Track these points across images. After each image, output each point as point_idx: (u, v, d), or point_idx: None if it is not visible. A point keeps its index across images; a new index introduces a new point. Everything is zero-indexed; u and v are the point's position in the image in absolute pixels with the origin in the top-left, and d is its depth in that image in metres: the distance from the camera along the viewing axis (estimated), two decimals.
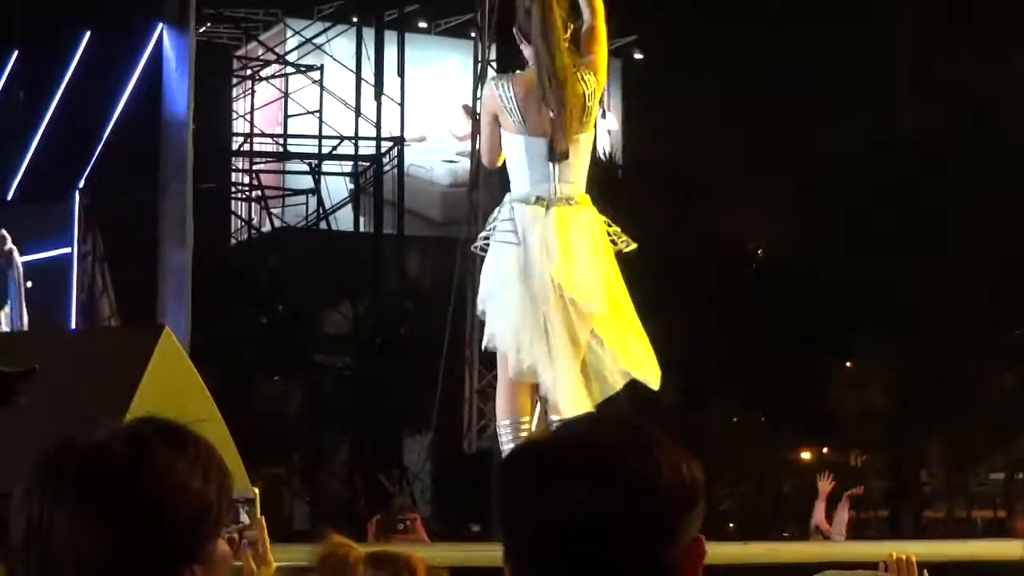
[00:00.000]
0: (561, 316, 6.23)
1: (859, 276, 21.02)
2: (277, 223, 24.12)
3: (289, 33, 24.71)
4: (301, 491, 23.48)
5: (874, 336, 22.83)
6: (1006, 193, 20.27)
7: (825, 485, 11.98)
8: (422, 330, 22.05)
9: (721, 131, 21.17)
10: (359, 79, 23.60)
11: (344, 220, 23.83)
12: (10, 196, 18.88)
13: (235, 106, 24.98)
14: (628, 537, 1.65)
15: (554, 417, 6.18)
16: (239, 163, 24.76)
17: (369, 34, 23.87)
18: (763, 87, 21.30)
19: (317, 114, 23.95)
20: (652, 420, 1.79)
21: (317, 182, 23.86)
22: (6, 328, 13.15)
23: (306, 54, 24.44)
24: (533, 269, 6.29)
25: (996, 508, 23.91)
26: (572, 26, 6.45)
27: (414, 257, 24.90)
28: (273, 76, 24.82)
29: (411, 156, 24.11)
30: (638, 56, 24.25)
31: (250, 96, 24.93)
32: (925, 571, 3.89)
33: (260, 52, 24.83)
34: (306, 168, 24.22)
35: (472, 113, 8.88)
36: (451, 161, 24.36)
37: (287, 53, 24.69)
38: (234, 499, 1.89)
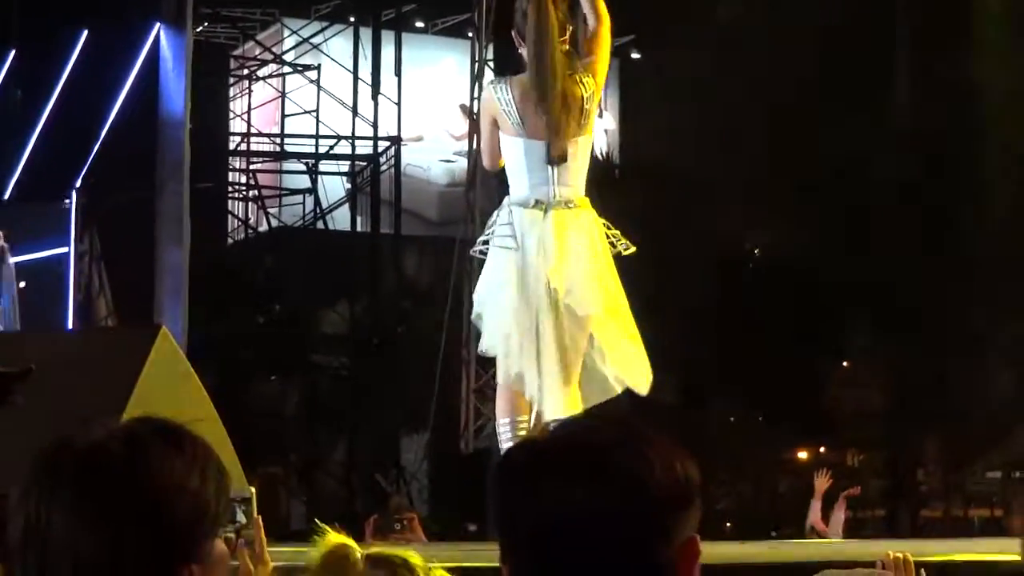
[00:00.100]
0: (553, 322, 6.20)
1: (856, 276, 21.02)
2: (274, 223, 24.10)
3: (286, 33, 24.70)
4: (298, 490, 23.46)
5: (871, 335, 22.85)
6: (1006, 192, 20.31)
7: (822, 483, 11.98)
8: (419, 330, 22.05)
9: (719, 130, 21.14)
10: (356, 79, 23.58)
11: (341, 220, 23.82)
12: (7, 195, 18.87)
13: (232, 106, 24.96)
14: (622, 536, 1.66)
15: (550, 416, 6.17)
16: (236, 163, 24.74)
17: (366, 34, 23.85)
18: (762, 86, 21.28)
19: (314, 114, 23.94)
20: (649, 420, 1.79)
21: (314, 182, 23.84)
22: (0, 328, 13.14)
23: (303, 54, 24.43)
24: (530, 273, 6.28)
25: (993, 507, 23.92)
26: (571, 28, 6.44)
27: (411, 257, 24.89)
28: (270, 76, 24.80)
29: (408, 156, 24.10)
30: (635, 56, 24.24)
31: (247, 96, 24.92)
32: (922, 570, 3.89)
33: (257, 52, 24.81)
34: (303, 168, 24.21)
35: (469, 113, 8.90)
36: (448, 161, 24.35)
37: (284, 53, 24.68)
38: (231, 498, 1.89)
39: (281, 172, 24.95)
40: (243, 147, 24.70)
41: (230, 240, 24.62)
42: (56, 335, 12.17)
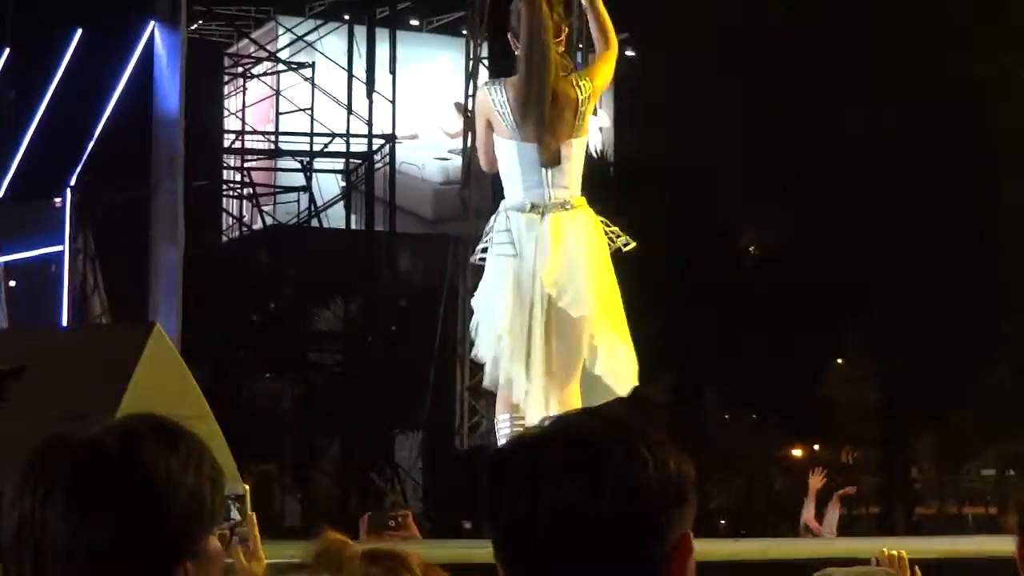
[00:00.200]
0: (543, 329, 6.17)
1: (851, 274, 21.03)
2: (269, 220, 24.08)
3: (281, 30, 24.67)
4: (292, 488, 23.46)
5: (865, 333, 22.86)
6: (1006, 191, 20.33)
7: (816, 481, 11.96)
8: (414, 327, 22.04)
9: (715, 129, 21.14)
10: (351, 76, 23.55)
11: (336, 217, 23.79)
12: (1, 194, 18.85)
13: (227, 103, 24.93)
14: (615, 533, 1.65)
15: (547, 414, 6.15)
16: (230, 160, 24.70)
17: (361, 31, 23.82)
18: (761, 85, 21.29)
19: (309, 111, 23.91)
20: (644, 416, 1.79)
21: (309, 179, 23.81)
22: None
23: (298, 51, 24.40)
24: (526, 278, 6.25)
25: (987, 505, 23.97)
26: (566, 30, 6.43)
27: (406, 254, 24.89)
28: (265, 73, 24.78)
29: (403, 153, 24.07)
30: (630, 54, 24.23)
31: (242, 93, 24.89)
32: (917, 568, 3.90)
33: (252, 49, 24.79)
34: (298, 165, 24.18)
35: (464, 110, 8.87)
36: (443, 158, 24.35)
37: (279, 50, 24.64)
38: (225, 495, 1.89)
39: (276, 170, 24.92)
40: (238, 145, 24.67)
41: (224, 238, 24.58)
42: (50, 333, 12.16)
